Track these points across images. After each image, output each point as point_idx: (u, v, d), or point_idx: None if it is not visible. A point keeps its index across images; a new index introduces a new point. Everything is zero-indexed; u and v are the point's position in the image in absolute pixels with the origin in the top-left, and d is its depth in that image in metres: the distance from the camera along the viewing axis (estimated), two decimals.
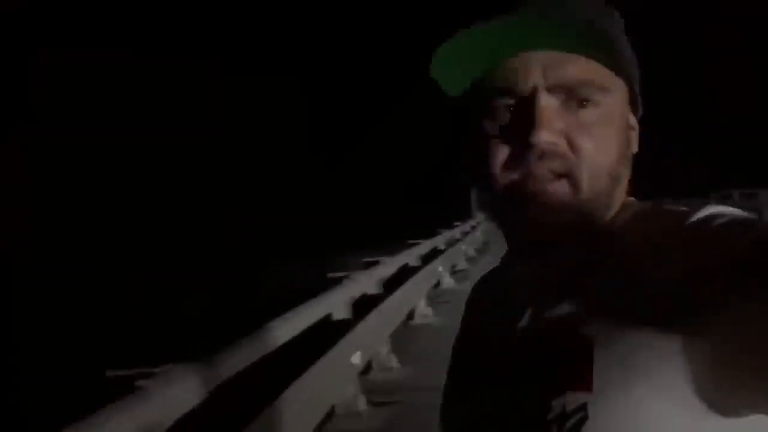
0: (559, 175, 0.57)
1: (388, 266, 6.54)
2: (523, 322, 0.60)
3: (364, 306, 4.69)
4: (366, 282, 5.39)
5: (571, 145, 0.57)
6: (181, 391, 2.08)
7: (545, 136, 0.55)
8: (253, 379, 2.78)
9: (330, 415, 3.57)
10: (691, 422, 0.50)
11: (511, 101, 0.58)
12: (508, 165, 0.58)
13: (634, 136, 0.62)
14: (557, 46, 0.57)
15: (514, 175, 0.57)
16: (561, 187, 0.57)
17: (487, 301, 0.68)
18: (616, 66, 0.58)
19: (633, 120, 0.62)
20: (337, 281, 4.93)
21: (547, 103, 0.57)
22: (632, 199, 0.62)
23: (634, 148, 0.62)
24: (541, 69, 0.57)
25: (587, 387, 0.52)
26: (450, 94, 0.62)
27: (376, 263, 6.25)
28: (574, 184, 0.57)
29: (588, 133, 0.57)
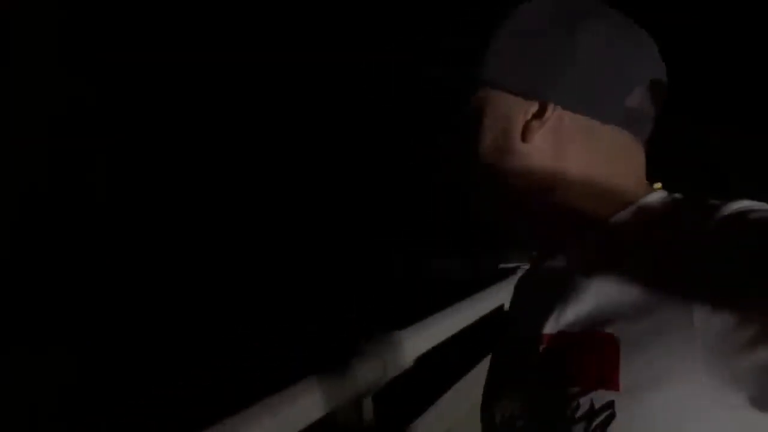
0: (485, 206, 0.65)
1: None
2: (551, 320, 0.60)
3: None
4: None
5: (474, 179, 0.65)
6: (392, 356, 2.26)
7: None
8: (437, 358, 2.92)
9: None
10: (717, 423, 0.51)
11: None
12: None
13: (521, 127, 0.62)
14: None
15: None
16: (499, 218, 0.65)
17: (522, 300, 0.70)
18: (481, 83, 0.63)
19: (520, 115, 0.62)
20: (511, 272, 4.94)
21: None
22: (658, 191, 0.62)
23: (520, 137, 0.62)
24: None
25: (614, 386, 0.53)
26: None
27: None
28: (502, 208, 0.64)
29: (479, 162, 0.64)
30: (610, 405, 0.53)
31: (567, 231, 0.61)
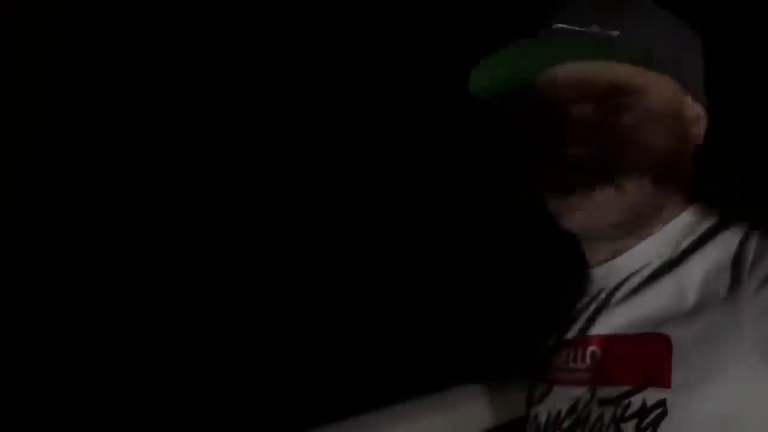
0: (603, 181, 0.61)
1: None
2: (601, 322, 0.63)
3: None
4: None
5: (610, 151, 0.60)
6: None
7: (575, 149, 0.60)
8: None
9: None
10: (765, 421, 0.53)
11: (548, 115, 0.62)
12: (552, 177, 0.63)
13: (695, 128, 0.64)
14: (584, 57, 0.60)
15: (560, 186, 0.63)
16: (605, 194, 0.61)
17: (570, 302, 0.72)
18: (652, 66, 0.60)
19: (691, 111, 0.64)
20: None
21: (579, 113, 0.61)
22: (699, 202, 0.64)
23: (695, 141, 0.64)
24: (570, 82, 0.61)
25: (666, 383, 0.56)
26: (492, 106, 0.68)
27: None
28: (618, 188, 0.61)
29: (625, 137, 0.60)
30: (662, 403, 0.56)
31: (624, 236, 0.64)
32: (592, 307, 0.65)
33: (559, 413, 0.64)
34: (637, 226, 0.62)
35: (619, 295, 0.63)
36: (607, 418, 0.58)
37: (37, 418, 3.81)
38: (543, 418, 0.66)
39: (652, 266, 0.62)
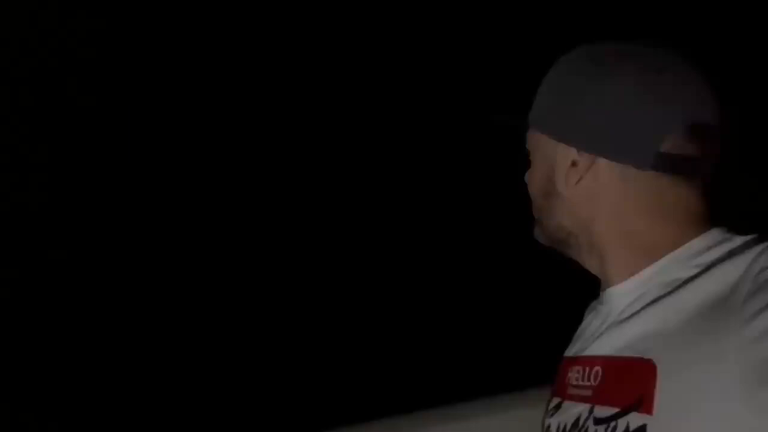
0: (535, 211, 0.74)
1: None
2: (605, 343, 0.64)
3: None
4: None
5: (531, 188, 0.74)
6: None
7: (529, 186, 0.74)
8: None
9: None
10: None
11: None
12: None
13: (563, 173, 0.67)
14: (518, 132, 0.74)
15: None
16: (537, 221, 0.73)
17: (586, 321, 0.74)
18: (530, 130, 0.71)
19: (561, 161, 0.67)
20: None
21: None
22: (711, 232, 0.63)
23: (563, 183, 0.67)
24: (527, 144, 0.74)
25: (648, 410, 0.55)
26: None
27: None
28: (538, 215, 0.73)
29: (531, 180, 0.72)
30: (643, 429, 0.55)
31: (616, 264, 0.65)
32: (604, 326, 0.66)
33: (565, 427, 0.66)
34: (614, 265, 0.67)
35: (623, 316, 0.64)
36: None
37: (38, 418, 3.81)
38: (554, 430, 0.68)
39: (654, 290, 0.62)
